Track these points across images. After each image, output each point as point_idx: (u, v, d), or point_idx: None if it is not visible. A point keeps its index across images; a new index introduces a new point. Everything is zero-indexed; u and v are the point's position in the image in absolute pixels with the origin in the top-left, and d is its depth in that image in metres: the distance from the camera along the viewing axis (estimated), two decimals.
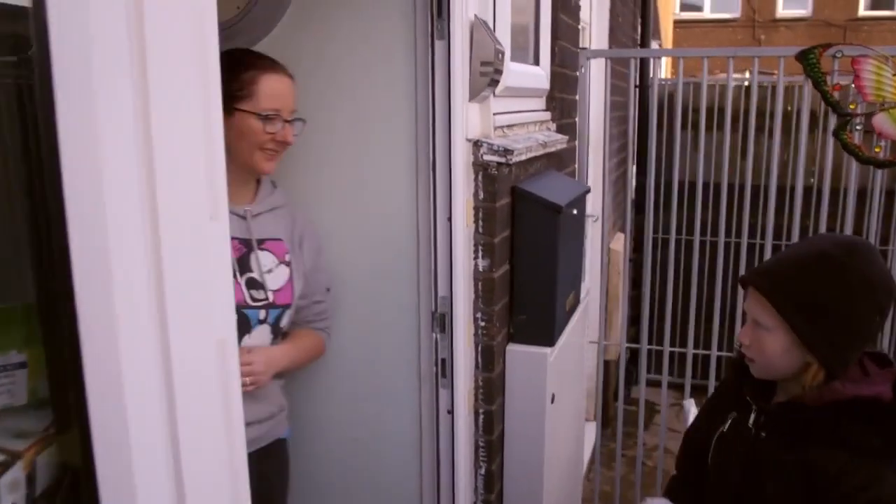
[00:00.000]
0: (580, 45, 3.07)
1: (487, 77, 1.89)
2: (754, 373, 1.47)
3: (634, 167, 5.07)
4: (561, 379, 2.33)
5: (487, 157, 1.95)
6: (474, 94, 1.90)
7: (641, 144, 4.61)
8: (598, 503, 3.30)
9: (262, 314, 1.67)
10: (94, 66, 0.68)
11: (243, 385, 1.52)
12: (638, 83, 5.06)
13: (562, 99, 2.81)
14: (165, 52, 0.76)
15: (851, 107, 2.64)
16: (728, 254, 3.11)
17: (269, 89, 1.62)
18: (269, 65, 1.65)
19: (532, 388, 2.16)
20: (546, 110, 2.67)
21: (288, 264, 1.74)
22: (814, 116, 4.45)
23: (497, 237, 2.01)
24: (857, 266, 1.36)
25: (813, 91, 2.67)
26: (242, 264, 1.66)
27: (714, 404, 1.66)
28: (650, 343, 3.13)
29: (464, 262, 1.96)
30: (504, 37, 2.07)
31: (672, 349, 3.10)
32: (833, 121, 2.67)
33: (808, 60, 2.64)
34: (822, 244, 1.44)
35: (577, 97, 2.97)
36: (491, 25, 1.99)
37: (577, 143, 3.01)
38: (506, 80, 2.07)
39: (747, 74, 5.39)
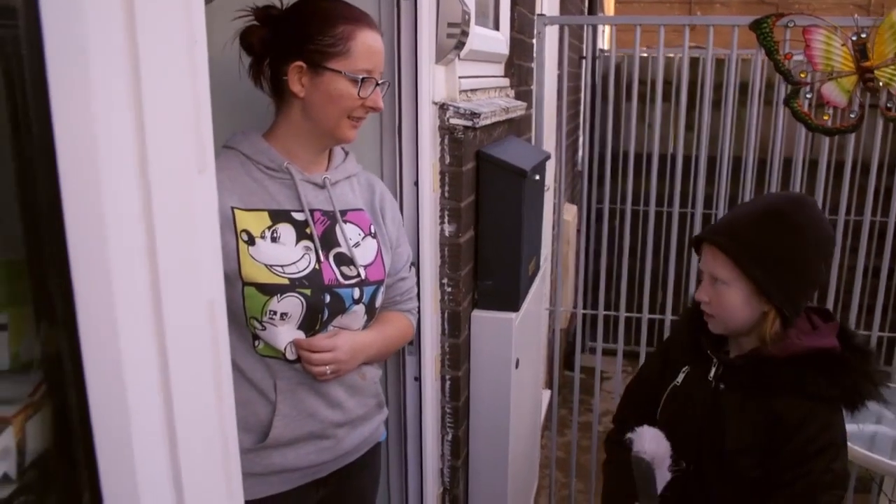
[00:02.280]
0: (536, 12, 3.05)
1: (454, 39, 1.86)
2: (713, 329, 1.55)
3: (583, 138, 5.12)
4: (524, 344, 2.34)
5: (454, 121, 1.93)
6: (441, 56, 1.87)
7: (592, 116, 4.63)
8: (555, 470, 3.34)
9: (356, 293, 1.49)
10: (89, 32, 0.64)
11: (322, 374, 1.43)
12: (585, 54, 5.09)
13: (519, 66, 2.79)
14: (154, 12, 0.72)
15: (802, 76, 2.69)
16: (665, 223, 3.14)
17: (365, 47, 1.42)
18: (364, 18, 1.45)
19: (498, 353, 2.16)
20: (505, 76, 2.65)
21: (374, 236, 1.57)
22: (744, 88, 4.54)
23: (463, 202, 2.00)
24: (806, 219, 1.47)
25: (763, 63, 2.73)
26: (327, 239, 1.48)
27: (662, 359, 1.72)
28: (591, 309, 3.16)
29: (430, 227, 1.94)
30: None
31: (607, 312, 3.14)
32: (784, 89, 2.73)
33: (761, 29, 2.68)
34: (772, 200, 1.55)
35: (534, 64, 2.96)
36: None
37: (533, 110, 3.01)
38: (470, 44, 2.05)
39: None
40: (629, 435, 1.55)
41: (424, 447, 2.04)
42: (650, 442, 1.52)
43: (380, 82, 1.47)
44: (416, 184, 1.88)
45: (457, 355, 2.10)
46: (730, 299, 1.49)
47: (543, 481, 3.47)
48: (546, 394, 3.96)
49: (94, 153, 0.66)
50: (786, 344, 1.48)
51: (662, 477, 1.52)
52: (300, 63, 1.40)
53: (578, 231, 4.86)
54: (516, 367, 2.23)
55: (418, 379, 2.01)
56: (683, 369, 1.61)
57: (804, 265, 1.47)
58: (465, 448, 2.22)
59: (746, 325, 1.52)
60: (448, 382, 2.12)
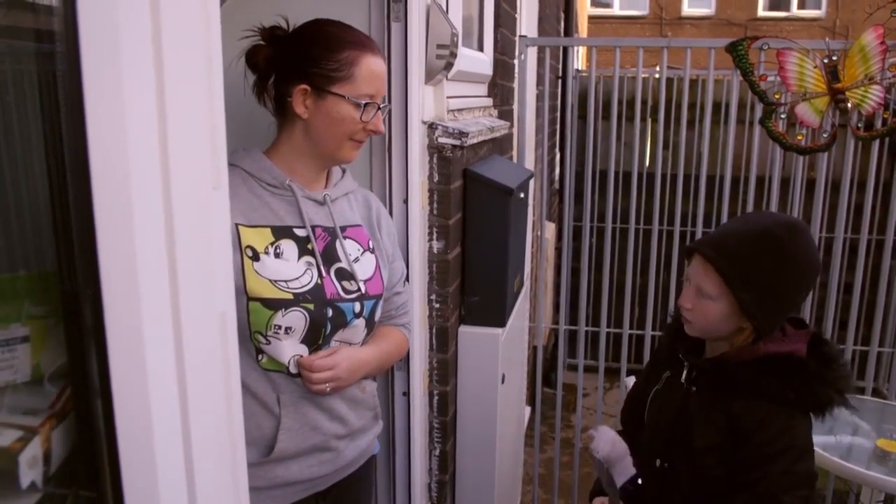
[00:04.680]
0: (517, 34, 3.11)
1: (443, 60, 1.90)
2: (689, 331, 1.60)
3: (559, 156, 5.19)
4: (509, 360, 2.37)
5: (442, 140, 1.96)
6: (430, 77, 1.91)
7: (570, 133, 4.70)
8: (537, 487, 3.36)
9: (357, 307, 1.51)
10: (122, 60, 0.67)
11: (322, 392, 1.46)
12: (561, 74, 5.17)
13: (502, 86, 2.84)
14: (177, 37, 0.75)
15: (776, 97, 2.77)
16: (643, 240, 3.22)
17: (369, 72, 1.45)
18: (368, 43, 1.48)
19: (484, 368, 2.19)
20: (488, 96, 2.70)
21: (372, 251, 1.59)
22: (717, 108, 4.65)
23: (451, 219, 2.03)
24: (795, 245, 1.50)
25: (739, 83, 2.81)
26: (328, 255, 1.50)
27: (651, 366, 1.79)
28: (571, 325, 3.21)
29: (419, 244, 1.97)
30: (456, 21, 2.09)
31: (590, 328, 3.19)
32: (760, 110, 2.81)
33: (736, 52, 2.75)
34: (766, 222, 1.56)
35: (516, 84, 3.01)
36: (444, 9, 2.00)
37: (515, 129, 3.06)
38: (458, 65, 2.09)
39: (657, 68, 5.61)
40: (591, 430, 1.64)
41: (412, 462, 2.06)
42: (605, 444, 1.61)
43: (381, 106, 1.50)
44: (406, 201, 1.91)
45: (444, 370, 2.12)
46: (712, 313, 1.53)
47: (526, 497, 3.49)
48: (526, 410, 3.98)
49: (127, 174, 0.69)
50: (749, 349, 1.53)
51: (625, 472, 1.59)
52: (304, 86, 1.43)
53: (557, 248, 4.92)
54: (502, 382, 2.26)
55: (407, 394, 2.03)
56: (665, 374, 1.67)
57: (790, 292, 1.52)
58: (452, 463, 2.24)
59: (722, 335, 1.57)
60: (436, 397, 2.14)
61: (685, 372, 1.62)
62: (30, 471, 0.70)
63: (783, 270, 1.49)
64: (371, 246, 1.60)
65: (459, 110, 2.23)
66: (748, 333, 1.55)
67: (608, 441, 1.64)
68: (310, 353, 1.47)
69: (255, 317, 1.39)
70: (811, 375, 1.49)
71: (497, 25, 2.68)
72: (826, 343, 1.56)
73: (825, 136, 2.79)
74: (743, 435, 1.49)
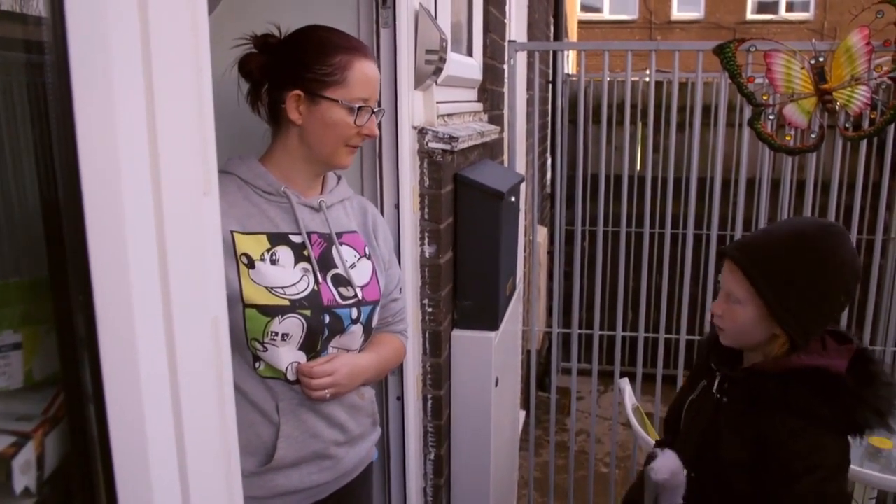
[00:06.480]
0: (507, 39, 3.12)
1: (432, 65, 1.91)
2: (723, 340, 1.54)
3: (550, 161, 5.20)
4: (503, 363, 2.38)
5: (433, 145, 1.97)
6: (419, 82, 1.92)
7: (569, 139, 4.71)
8: (532, 490, 3.36)
9: (354, 313, 1.51)
10: (112, 65, 0.68)
11: (322, 398, 1.45)
12: (552, 79, 5.19)
13: (492, 90, 2.86)
14: (167, 45, 0.76)
15: (764, 98, 2.79)
16: (635, 243, 3.23)
17: (362, 76, 1.45)
18: (360, 47, 1.49)
19: (478, 372, 2.20)
20: (478, 101, 2.71)
21: (369, 257, 1.59)
22: (706, 111, 4.67)
23: (442, 223, 2.04)
24: (830, 247, 1.42)
25: (727, 86, 2.83)
26: (324, 261, 1.50)
27: (691, 376, 1.73)
28: (564, 328, 3.22)
29: (411, 248, 1.98)
30: (444, 26, 2.10)
31: (583, 331, 3.20)
32: (748, 112, 2.83)
33: (724, 54, 2.77)
34: (800, 224, 1.51)
35: (506, 89, 3.03)
36: (433, 14, 2.01)
37: (505, 134, 3.07)
38: (447, 70, 2.10)
39: (646, 72, 5.64)
40: (655, 448, 1.55)
41: (408, 466, 2.06)
42: (664, 471, 1.49)
43: (375, 110, 1.50)
44: (397, 206, 1.92)
45: (438, 374, 2.13)
46: (742, 318, 1.47)
47: (521, 501, 3.49)
48: (521, 414, 3.99)
49: (117, 181, 0.69)
50: (783, 361, 1.45)
51: (672, 501, 1.50)
52: (298, 92, 1.43)
53: (549, 252, 4.93)
54: (496, 385, 2.26)
55: (401, 398, 2.03)
56: (701, 383, 1.61)
57: (822, 295, 1.42)
58: (447, 467, 2.25)
59: (756, 343, 1.51)
60: (430, 402, 2.14)
61: (717, 382, 1.55)
62: (23, 476, 0.70)
63: (815, 272, 1.41)
64: (367, 252, 1.60)
65: (449, 115, 2.24)
66: (783, 342, 1.46)
67: (668, 470, 1.52)
68: (308, 359, 1.46)
69: (251, 324, 1.39)
70: (847, 393, 1.40)
71: (486, 30, 2.69)
72: (871, 361, 1.46)
73: (813, 136, 2.81)
74: (770, 450, 1.42)
